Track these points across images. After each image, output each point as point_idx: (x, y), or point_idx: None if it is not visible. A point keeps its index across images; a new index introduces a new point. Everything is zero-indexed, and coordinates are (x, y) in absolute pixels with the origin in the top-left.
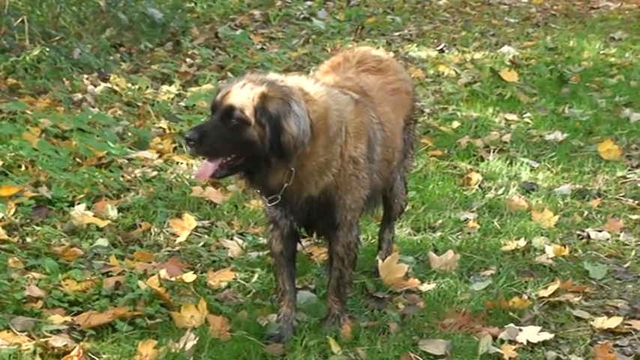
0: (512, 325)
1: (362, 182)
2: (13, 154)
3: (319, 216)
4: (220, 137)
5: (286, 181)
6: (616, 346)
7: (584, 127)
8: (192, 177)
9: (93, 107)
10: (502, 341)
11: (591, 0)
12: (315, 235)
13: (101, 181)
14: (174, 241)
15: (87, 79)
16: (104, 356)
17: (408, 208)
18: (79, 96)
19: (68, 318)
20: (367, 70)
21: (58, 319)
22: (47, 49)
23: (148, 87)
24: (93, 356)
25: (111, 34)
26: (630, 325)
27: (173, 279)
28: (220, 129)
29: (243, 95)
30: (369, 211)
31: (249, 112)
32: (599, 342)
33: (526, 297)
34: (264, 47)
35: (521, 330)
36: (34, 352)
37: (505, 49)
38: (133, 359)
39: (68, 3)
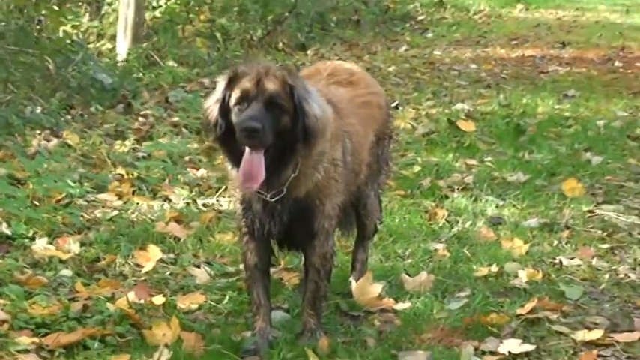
0: (492, 337)
1: (339, 187)
2: None
3: (298, 223)
4: (269, 127)
5: (293, 172)
6: (600, 356)
7: (546, 169)
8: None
9: (48, 159)
10: (483, 352)
11: (540, 65)
12: (287, 249)
13: (61, 220)
14: (140, 271)
15: (40, 134)
16: None
17: (375, 239)
18: (33, 150)
19: (36, 339)
20: (338, 82)
21: (25, 340)
22: None
23: (101, 142)
24: None
25: (61, 97)
26: (612, 337)
27: (142, 301)
28: (268, 118)
29: (276, 81)
30: (342, 230)
31: (285, 97)
32: (582, 353)
33: (503, 314)
34: None
35: (502, 342)
36: None
37: (459, 105)
38: None
39: (17, 68)
